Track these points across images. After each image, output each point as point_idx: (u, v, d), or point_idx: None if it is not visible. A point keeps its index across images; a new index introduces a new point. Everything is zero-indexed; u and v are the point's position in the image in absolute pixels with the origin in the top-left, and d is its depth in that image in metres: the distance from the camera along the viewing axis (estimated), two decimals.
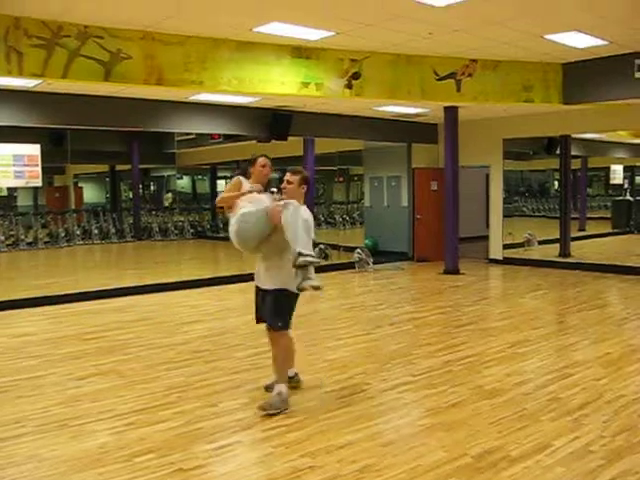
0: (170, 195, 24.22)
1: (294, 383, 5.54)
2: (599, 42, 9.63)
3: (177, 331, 8.12)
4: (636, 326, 8.23)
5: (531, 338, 7.45)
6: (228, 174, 24.26)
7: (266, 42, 9.43)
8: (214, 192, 23.30)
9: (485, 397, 5.37)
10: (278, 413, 4.96)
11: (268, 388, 5.43)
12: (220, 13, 8.06)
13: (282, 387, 5.14)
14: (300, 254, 4.67)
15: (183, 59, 9.02)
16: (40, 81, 8.79)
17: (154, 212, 21.44)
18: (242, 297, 9.53)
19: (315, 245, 14.29)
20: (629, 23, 8.68)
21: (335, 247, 14.80)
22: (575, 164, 15.87)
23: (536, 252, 14.92)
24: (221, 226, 21.61)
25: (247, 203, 5.10)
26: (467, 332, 7.84)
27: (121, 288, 10.93)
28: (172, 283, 11.36)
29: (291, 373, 5.51)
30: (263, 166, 5.46)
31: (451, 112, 12.67)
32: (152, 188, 26.79)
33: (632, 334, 7.80)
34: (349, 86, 10.34)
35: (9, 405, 5.36)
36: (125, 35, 8.55)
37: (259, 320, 5.37)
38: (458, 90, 11.03)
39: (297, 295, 5.10)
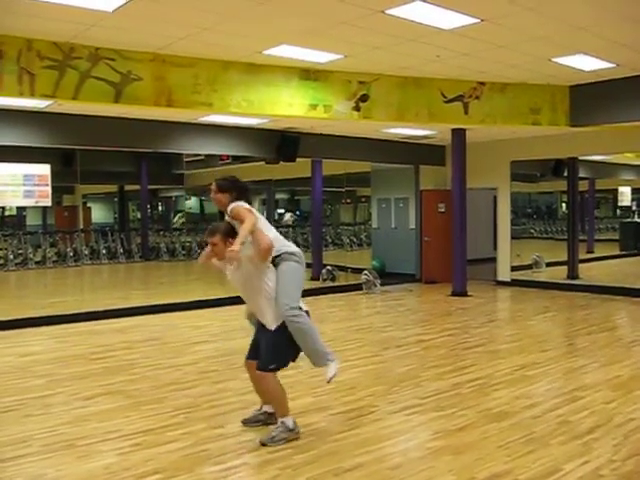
0: (180, 215, 24.28)
1: (273, 420, 5.10)
2: (606, 65, 9.67)
3: (184, 351, 8.11)
4: None
5: (540, 361, 7.41)
6: None
7: (275, 64, 9.51)
8: (222, 214, 23.34)
9: (493, 420, 5.33)
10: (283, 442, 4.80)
11: (247, 422, 5.20)
12: (230, 36, 8.14)
13: (287, 419, 4.90)
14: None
15: (193, 81, 9.10)
16: (51, 102, 8.88)
17: (162, 232, 21.50)
18: None
19: (323, 266, 14.36)
20: (635, 46, 8.72)
21: (342, 268, 14.79)
22: (583, 186, 15.87)
23: (544, 274, 14.87)
24: None
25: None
26: (475, 354, 7.81)
27: (128, 308, 10.93)
28: (179, 303, 11.36)
29: (270, 409, 5.17)
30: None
31: (459, 134, 12.70)
32: (160, 208, 26.89)
33: None
34: (357, 108, 10.39)
35: (16, 424, 5.35)
36: (136, 57, 8.64)
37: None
38: (466, 112, 11.06)
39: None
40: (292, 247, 5.02)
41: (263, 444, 4.77)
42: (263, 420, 5.19)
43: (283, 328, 4.80)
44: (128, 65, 8.61)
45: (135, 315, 10.64)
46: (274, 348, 4.84)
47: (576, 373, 6.96)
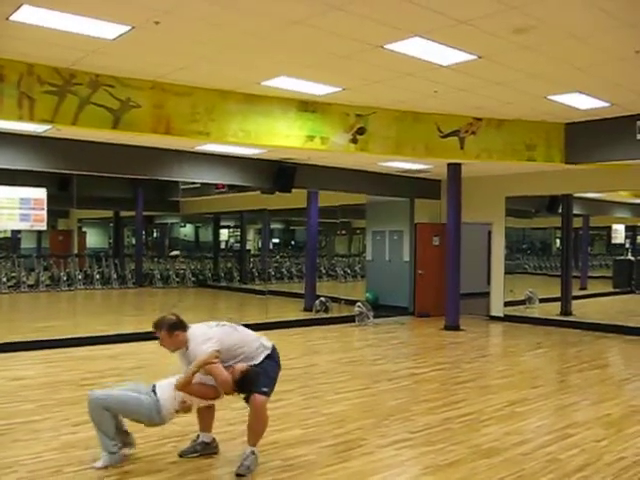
0: (177, 253, 24.34)
1: (210, 450, 5.26)
2: (601, 104, 9.79)
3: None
4: (637, 387, 8.19)
5: (531, 397, 7.38)
6: (231, 224, 24.38)
7: (273, 95, 9.60)
8: (217, 241, 23.40)
9: (483, 456, 5.30)
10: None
11: (185, 454, 5.19)
12: (229, 67, 8.23)
13: (256, 449, 4.96)
14: None
15: (191, 110, 9.17)
16: (50, 127, 8.92)
17: (156, 259, 21.48)
18: None
19: (316, 297, 14.34)
20: (630, 86, 8.85)
21: (336, 300, 14.76)
22: (577, 223, 15.95)
23: (537, 310, 14.88)
24: (222, 275, 21.64)
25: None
26: (466, 389, 7.79)
27: (120, 334, 10.88)
28: None
29: (208, 439, 5.27)
30: None
31: (454, 169, 12.78)
32: (155, 235, 26.90)
33: (633, 395, 7.74)
34: (354, 141, 10.47)
35: (3, 449, 5.30)
36: (135, 84, 8.71)
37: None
38: (462, 147, 11.16)
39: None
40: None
41: (241, 475, 4.77)
42: (200, 451, 5.19)
43: (266, 363, 4.98)
44: (127, 92, 8.68)
45: (127, 341, 10.58)
46: (265, 372, 4.94)
47: (567, 410, 6.95)
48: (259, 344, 5.07)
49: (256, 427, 4.97)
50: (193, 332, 4.96)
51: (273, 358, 5.06)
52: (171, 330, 4.93)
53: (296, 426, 6.10)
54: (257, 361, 4.97)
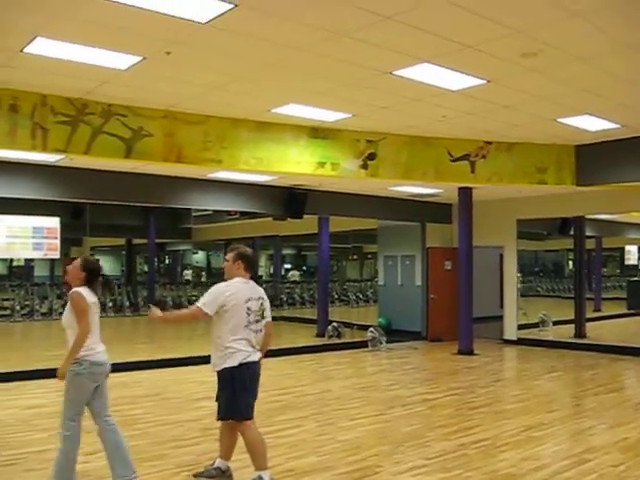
0: (190, 272, 24.46)
1: (224, 478, 5.21)
2: (611, 125, 9.79)
3: (187, 407, 8.03)
4: None
5: (546, 421, 7.31)
6: None
7: (284, 123, 9.66)
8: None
9: None
10: None
11: (199, 476, 5.23)
12: (240, 95, 8.31)
13: (264, 474, 4.88)
14: None
15: (203, 138, 9.24)
16: (63, 156, 9.00)
17: (169, 286, 21.51)
18: None
19: (329, 323, 14.31)
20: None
21: (348, 325, 14.72)
22: (589, 244, 15.91)
23: (551, 333, 14.78)
24: None
25: None
26: (481, 414, 7.72)
27: (132, 362, 10.86)
28: (184, 358, 11.27)
29: (223, 466, 5.23)
30: None
31: (465, 193, 12.77)
32: (167, 262, 27.00)
33: None
34: (364, 166, 10.50)
35: (16, 479, 5.29)
36: (147, 113, 8.80)
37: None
38: (472, 171, 11.16)
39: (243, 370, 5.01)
40: None
41: None
42: (215, 476, 5.17)
43: (227, 377, 5.04)
44: (140, 121, 8.77)
45: (140, 369, 10.56)
46: (221, 398, 5.09)
47: (584, 435, 6.87)
48: (252, 343, 5.08)
49: (248, 448, 4.98)
50: (232, 281, 5.21)
51: (253, 369, 5.06)
52: (237, 258, 5.22)
53: (310, 453, 6.06)
54: (236, 361, 4.99)
